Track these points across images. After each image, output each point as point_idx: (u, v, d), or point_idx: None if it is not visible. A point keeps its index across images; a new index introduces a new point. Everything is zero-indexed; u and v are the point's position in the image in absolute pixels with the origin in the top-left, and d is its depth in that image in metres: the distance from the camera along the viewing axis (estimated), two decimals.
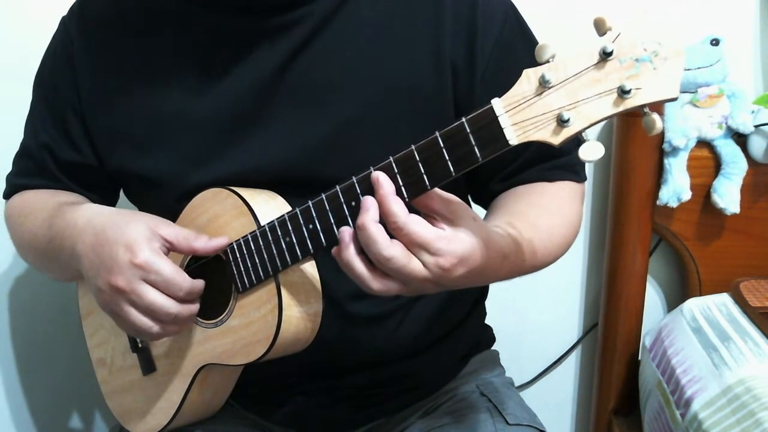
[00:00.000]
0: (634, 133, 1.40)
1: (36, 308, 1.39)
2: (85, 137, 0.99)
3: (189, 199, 0.91)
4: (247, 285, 0.85)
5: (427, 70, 0.90)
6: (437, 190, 0.73)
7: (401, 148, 0.72)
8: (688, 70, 1.37)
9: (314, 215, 0.78)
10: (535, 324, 1.63)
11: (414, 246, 0.71)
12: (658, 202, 1.42)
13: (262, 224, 0.83)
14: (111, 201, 1.08)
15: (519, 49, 0.94)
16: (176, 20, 0.94)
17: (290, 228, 0.80)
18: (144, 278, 0.82)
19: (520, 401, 1.06)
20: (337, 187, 0.76)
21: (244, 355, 0.86)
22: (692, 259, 1.49)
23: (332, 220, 0.77)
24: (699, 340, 1.31)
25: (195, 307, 0.86)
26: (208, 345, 0.90)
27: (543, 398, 1.64)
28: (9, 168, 1.09)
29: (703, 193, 1.43)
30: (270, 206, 0.86)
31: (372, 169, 0.73)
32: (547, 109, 0.65)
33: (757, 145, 1.39)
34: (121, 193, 1.08)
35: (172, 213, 0.92)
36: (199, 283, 0.85)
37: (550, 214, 0.91)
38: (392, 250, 0.71)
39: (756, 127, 1.38)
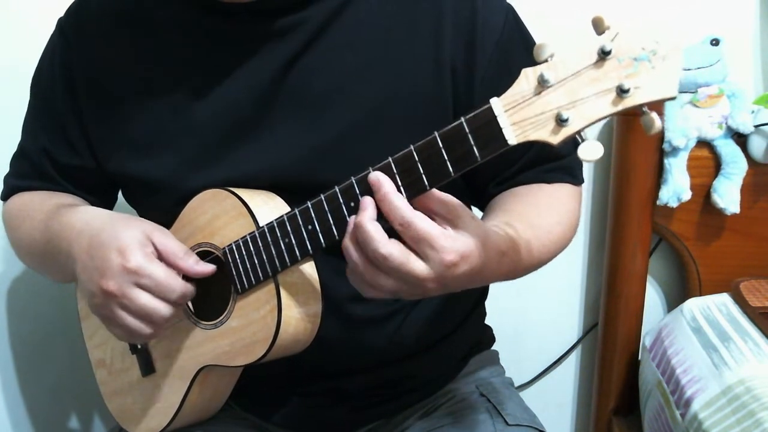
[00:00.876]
0: (634, 133, 1.40)
1: (35, 309, 1.39)
2: (84, 140, 0.99)
3: (188, 202, 0.91)
4: (246, 286, 0.85)
5: (427, 75, 0.90)
6: (435, 191, 0.72)
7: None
8: (688, 70, 1.37)
9: (313, 216, 0.78)
10: (535, 324, 1.63)
11: (419, 242, 0.71)
12: (658, 202, 1.42)
13: (261, 225, 0.83)
14: (109, 203, 1.08)
15: (519, 53, 0.93)
16: (174, 23, 0.93)
17: (289, 229, 0.80)
18: (136, 283, 0.82)
19: (520, 401, 1.06)
20: (336, 188, 0.76)
21: (244, 356, 0.86)
22: (692, 259, 1.49)
23: (331, 221, 0.77)
24: (699, 340, 1.31)
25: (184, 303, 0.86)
26: (207, 346, 0.90)
27: (543, 398, 1.64)
28: (6, 169, 1.09)
29: (703, 193, 1.43)
30: (269, 206, 0.86)
31: (371, 169, 0.73)
32: (546, 109, 0.65)
33: (757, 145, 1.39)
34: (120, 195, 1.08)
35: (170, 216, 0.92)
36: (191, 287, 0.86)
37: (547, 213, 0.91)
38: (390, 247, 0.71)
39: (756, 127, 1.38)
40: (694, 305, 1.41)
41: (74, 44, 0.98)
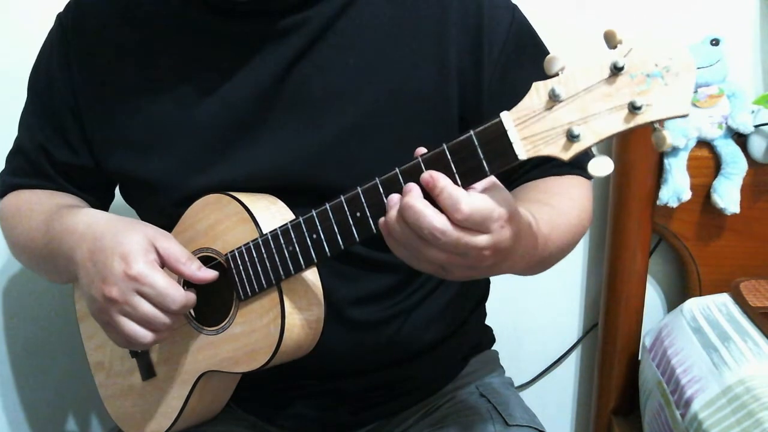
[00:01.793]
0: (634, 133, 1.39)
1: (35, 309, 1.39)
2: (82, 138, 0.99)
3: (187, 203, 0.91)
4: (249, 293, 0.85)
5: (431, 76, 0.90)
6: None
7: (404, 156, 0.71)
8: None
9: (318, 225, 0.77)
10: (535, 324, 1.63)
11: (481, 223, 0.67)
12: (658, 202, 1.42)
13: (264, 232, 0.82)
14: (106, 202, 1.08)
15: (526, 54, 0.93)
16: (175, 22, 0.93)
17: (293, 237, 0.79)
18: (137, 290, 0.82)
19: (520, 402, 1.06)
20: (342, 198, 0.75)
21: (247, 363, 0.86)
22: (692, 259, 1.49)
23: (336, 231, 0.76)
24: (699, 340, 1.31)
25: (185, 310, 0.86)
26: (209, 351, 0.89)
27: (543, 398, 1.64)
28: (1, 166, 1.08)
29: (703, 193, 1.43)
30: (271, 212, 0.86)
31: (377, 179, 0.72)
32: (557, 124, 0.64)
33: (757, 145, 1.39)
34: (118, 195, 1.08)
35: (170, 217, 0.91)
36: (192, 296, 0.85)
37: (560, 198, 0.91)
38: (445, 222, 0.67)
39: (756, 127, 1.38)
40: (694, 305, 1.41)
41: (73, 39, 0.97)
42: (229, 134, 0.91)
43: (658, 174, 1.42)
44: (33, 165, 1.02)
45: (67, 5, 1.00)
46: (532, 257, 0.79)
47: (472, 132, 0.68)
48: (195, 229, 0.89)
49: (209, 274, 0.86)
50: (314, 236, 0.78)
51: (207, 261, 0.89)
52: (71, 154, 1.00)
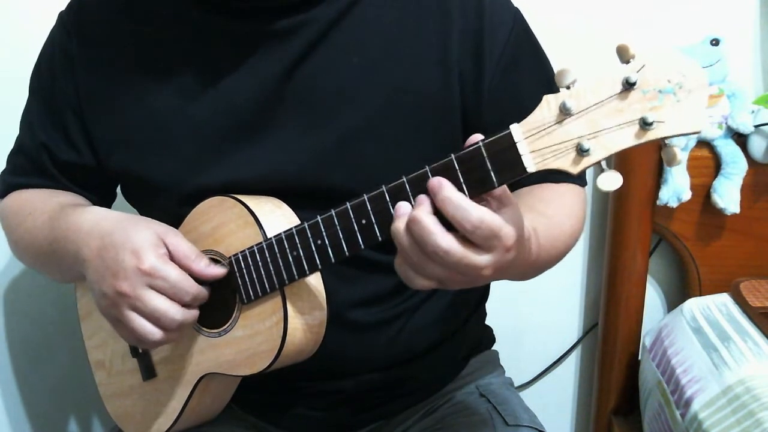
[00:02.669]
0: None
1: (35, 309, 1.39)
2: (84, 137, 0.98)
3: (190, 203, 0.91)
4: (252, 297, 0.85)
5: (434, 78, 0.90)
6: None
7: (408, 157, 0.71)
8: None
9: (323, 231, 0.77)
10: (535, 324, 1.63)
11: (488, 238, 0.67)
12: (658, 202, 1.42)
13: (268, 236, 0.82)
14: (107, 201, 1.08)
15: (526, 57, 0.93)
16: (177, 21, 0.93)
17: (297, 242, 0.79)
18: (150, 284, 0.82)
19: (520, 402, 1.06)
20: (348, 204, 0.74)
21: (248, 366, 0.86)
22: (692, 259, 1.49)
23: (341, 237, 0.75)
24: (699, 340, 1.31)
25: (196, 312, 0.86)
26: (210, 354, 0.89)
27: (543, 398, 1.64)
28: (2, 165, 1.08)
29: (703, 193, 1.43)
30: (276, 215, 0.85)
31: (383, 187, 0.72)
32: (567, 138, 0.64)
33: (757, 145, 1.39)
34: (120, 194, 1.08)
35: (173, 217, 0.91)
36: (204, 290, 0.85)
37: (555, 207, 0.91)
38: (450, 241, 0.67)
39: (756, 127, 1.38)
40: (694, 305, 1.41)
41: (75, 38, 0.97)
42: (231, 134, 0.91)
43: (658, 174, 1.42)
44: (35, 164, 1.02)
45: (69, 4, 1.00)
46: (523, 268, 0.80)
47: (480, 143, 0.67)
48: (199, 231, 0.89)
49: (218, 270, 0.85)
50: (319, 242, 0.77)
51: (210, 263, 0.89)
52: (73, 153, 1.00)
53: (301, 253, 0.79)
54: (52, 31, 1.01)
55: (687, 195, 1.40)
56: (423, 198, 0.68)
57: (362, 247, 0.75)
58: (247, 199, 0.86)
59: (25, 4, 1.30)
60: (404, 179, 0.71)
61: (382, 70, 0.89)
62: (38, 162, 1.02)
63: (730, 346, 1.25)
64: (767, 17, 1.45)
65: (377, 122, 0.89)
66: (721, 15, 1.44)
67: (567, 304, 1.63)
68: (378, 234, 0.73)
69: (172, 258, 0.84)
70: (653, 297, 1.60)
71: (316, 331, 0.86)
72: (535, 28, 0.97)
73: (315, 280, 0.84)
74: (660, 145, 0.63)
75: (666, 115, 0.61)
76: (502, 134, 0.66)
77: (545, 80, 0.93)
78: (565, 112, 0.63)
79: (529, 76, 0.93)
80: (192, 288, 0.83)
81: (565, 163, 0.64)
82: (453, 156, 0.68)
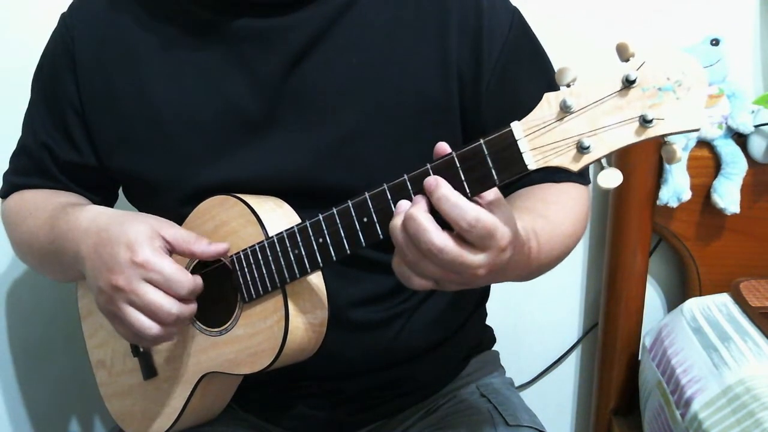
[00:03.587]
0: None
1: (35, 309, 1.39)
2: (86, 137, 0.99)
3: (191, 203, 0.91)
4: (254, 295, 0.85)
5: (433, 77, 0.90)
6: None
7: (407, 156, 0.71)
8: None
9: (324, 229, 0.77)
10: (535, 324, 1.63)
11: (483, 237, 0.67)
12: (658, 202, 1.42)
13: (270, 234, 0.82)
14: (109, 202, 1.08)
15: (525, 56, 0.93)
16: (178, 20, 0.93)
17: (299, 240, 0.79)
18: (145, 277, 0.81)
19: (520, 402, 1.06)
20: (349, 202, 0.74)
21: (249, 365, 0.86)
22: (692, 259, 1.49)
23: (343, 235, 0.76)
24: (699, 340, 1.31)
25: (194, 307, 0.85)
26: (211, 353, 0.89)
27: (543, 398, 1.64)
28: (5, 166, 1.08)
29: (703, 193, 1.43)
30: (277, 214, 0.85)
31: (385, 185, 0.72)
32: (568, 135, 0.64)
33: (757, 145, 1.39)
34: (122, 195, 1.08)
35: (174, 217, 0.91)
36: (200, 281, 0.84)
37: (556, 208, 0.91)
38: (444, 239, 0.67)
39: (756, 127, 1.38)
40: (694, 305, 1.41)
41: (77, 38, 0.97)
42: (232, 133, 0.91)
43: (658, 174, 1.42)
44: (37, 164, 1.02)
45: (71, 5, 1.00)
46: (522, 270, 0.80)
47: (481, 140, 0.67)
48: (200, 230, 0.89)
49: (220, 247, 0.85)
50: (320, 240, 0.77)
51: (212, 262, 0.89)
52: (75, 153, 1.00)
53: (303, 252, 0.79)
54: (53, 31, 1.01)
55: (687, 195, 1.40)
56: (419, 197, 0.69)
57: (363, 245, 0.75)
58: (249, 198, 0.86)
59: (26, 5, 1.30)
60: (405, 177, 0.71)
61: (382, 69, 0.89)
62: (40, 162, 1.02)
63: (730, 346, 1.25)
64: (767, 17, 1.45)
65: (377, 121, 0.89)
66: (721, 15, 1.44)
67: (567, 304, 1.63)
68: (379, 232, 0.73)
69: (172, 249, 0.84)
70: (653, 297, 1.60)
71: (318, 330, 0.86)
72: (534, 29, 0.97)
73: (316, 279, 0.85)
74: (660, 143, 0.63)
75: (665, 112, 0.61)
76: (502, 131, 0.66)
77: (545, 79, 0.93)
78: (565, 110, 0.64)
79: (529, 74, 0.93)
80: (188, 281, 0.82)
81: (566, 160, 0.65)
82: (454, 154, 0.69)
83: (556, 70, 0.64)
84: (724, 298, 1.40)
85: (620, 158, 1.43)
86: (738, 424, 1.13)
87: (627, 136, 0.62)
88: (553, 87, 0.65)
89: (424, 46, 0.90)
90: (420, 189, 0.69)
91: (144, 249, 0.82)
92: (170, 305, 0.82)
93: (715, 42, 1.39)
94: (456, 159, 0.68)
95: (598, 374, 1.58)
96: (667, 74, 0.61)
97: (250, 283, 0.84)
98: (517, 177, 0.67)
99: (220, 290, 0.87)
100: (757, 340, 1.25)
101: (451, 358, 1.07)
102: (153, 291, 0.81)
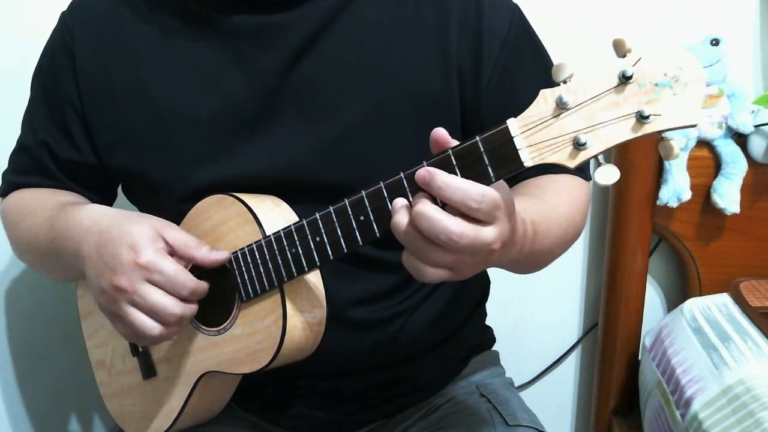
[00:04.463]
0: None
1: (35, 309, 1.39)
2: (85, 136, 0.99)
3: (191, 200, 0.91)
4: (252, 294, 0.85)
5: (433, 74, 0.90)
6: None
7: (406, 154, 0.71)
8: None
9: (321, 228, 0.77)
10: (535, 324, 1.63)
11: (492, 210, 0.67)
12: (658, 202, 1.42)
13: (267, 234, 0.82)
14: (109, 200, 1.08)
15: (525, 54, 0.93)
16: (177, 18, 0.93)
17: (296, 239, 0.79)
18: (147, 278, 0.82)
19: (520, 402, 1.06)
20: (346, 201, 0.74)
21: (248, 364, 0.86)
22: (692, 259, 1.49)
23: (340, 234, 0.75)
24: (699, 340, 1.31)
25: (195, 307, 0.85)
26: (210, 352, 0.89)
27: (543, 398, 1.64)
28: (5, 165, 1.08)
29: (703, 193, 1.43)
30: (275, 213, 0.85)
31: (381, 183, 0.72)
32: (564, 132, 0.64)
33: (757, 145, 1.39)
34: (121, 194, 1.08)
35: (174, 215, 0.91)
36: (204, 284, 0.84)
37: (552, 192, 0.91)
38: (461, 225, 0.66)
39: (756, 127, 1.38)
40: (694, 305, 1.41)
41: (77, 37, 0.97)
42: (231, 131, 0.91)
43: (658, 174, 1.42)
44: (36, 163, 1.02)
45: (71, 4, 1.01)
46: (522, 247, 0.78)
47: (478, 137, 0.67)
48: (198, 229, 0.89)
49: (221, 255, 0.85)
50: (317, 239, 0.77)
51: None
52: (74, 152, 1.00)
53: (300, 251, 0.79)
54: (53, 30, 1.01)
55: (687, 195, 1.40)
56: (420, 194, 0.68)
57: (360, 243, 0.75)
58: (247, 197, 0.86)
59: (26, 4, 1.30)
60: (401, 175, 0.71)
61: (381, 66, 0.89)
62: (40, 161, 1.02)
63: (730, 346, 1.25)
64: (767, 17, 1.45)
65: (376, 118, 0.89)
66: (721, 15, 1.44)
67: (567, 304, 1.63)
68: (376, 230, 0.73)
69: (172, 251, 0.84)
70: (653, 297, 1.60)
71: (316, 329, 0.86)
72: (534, 28, 0.97)
73: (314, 278, 0.85)
74: (657, 139, 0.63)
75: (662, 108, 0.61)
76: (498, 128, 0.66)
77: (545, 76, 0.93)
78: (561, 107, 0.63)
79: (529, 72, 0.93)
80: (190, 282, 0.83)
81: (562, 157, 0.64)
82: (450, 151, 0.68)
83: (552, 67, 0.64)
84: (724, 298, 1.40)
85: (620, 158, 1.43)
86: (738, 424, 1.13)
87: (624, 132, 0.62)
88: (553, 84, 0.65)
89: (424, 43, 0.90)
90: (416, 187, 0.69)
91: (147, 250, 0.82)
92: (172, 306, 0.82)
93: (715, 42, 1.39)
94: (452, 156, 0.68)
95: (598, 374, 1.58)
96: (663, 70, 0.60)
97: (247, 282, 0.84)
98: (513, 174, 0.67)
99: (218, 289, 0.87)
100: (757, 340, 1.25)
101: (451, 358, 1.07)
102: (155, 292, 0.82)
